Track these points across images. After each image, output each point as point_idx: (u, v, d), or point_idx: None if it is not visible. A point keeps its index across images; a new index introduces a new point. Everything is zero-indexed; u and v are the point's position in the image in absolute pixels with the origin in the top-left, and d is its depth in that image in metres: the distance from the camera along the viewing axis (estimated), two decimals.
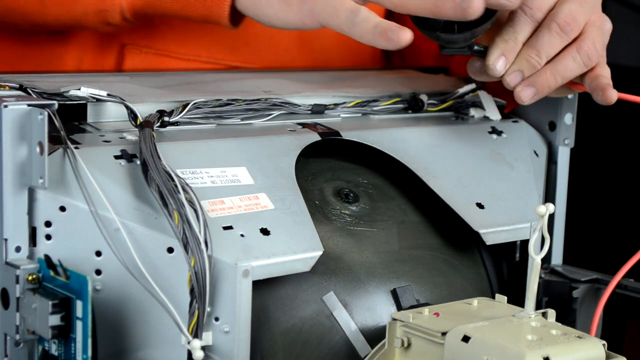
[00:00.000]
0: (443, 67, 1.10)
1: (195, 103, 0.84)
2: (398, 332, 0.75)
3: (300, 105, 0.90)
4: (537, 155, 0.97)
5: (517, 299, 0.82)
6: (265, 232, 0.76)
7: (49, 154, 0.73)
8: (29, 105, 0.73)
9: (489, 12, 0.84)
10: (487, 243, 0.86)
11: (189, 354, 0.72)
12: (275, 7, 0.86)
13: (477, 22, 0.83)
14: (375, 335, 0.80)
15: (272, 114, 0.88)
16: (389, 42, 0.79)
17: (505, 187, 0.91)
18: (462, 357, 0.70)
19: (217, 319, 0.73)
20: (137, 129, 0.79)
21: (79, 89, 0.81)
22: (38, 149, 0.72)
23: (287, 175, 0.81)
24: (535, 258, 0.74)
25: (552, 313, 0.76)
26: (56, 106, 0.74)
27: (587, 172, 1.38)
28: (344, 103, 0.93)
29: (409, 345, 0.75)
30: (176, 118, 0.83)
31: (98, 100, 0.81)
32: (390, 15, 1.12)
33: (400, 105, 0.95)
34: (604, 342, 0.71)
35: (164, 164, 0.74)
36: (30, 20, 0.99)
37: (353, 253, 0.83)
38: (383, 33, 0.79)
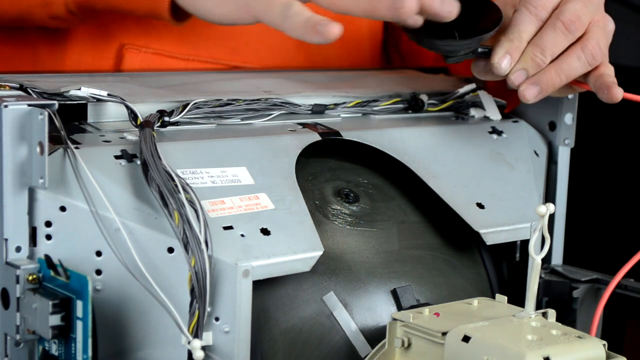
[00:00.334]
0: (443, 67, 1.10)
1: (195, 103, 0.84)
2: (398, 332, 0.75)
3: (300, 105, 0.90)
4: (537, 155, 0.97)
5: (517, 299, 0.82)
6: (265, 232, 0.76)
7: (49, 154, 0.73)
8: (29, 105, 0.73)
9: (494, 21, 0.85)
10: (487, 243, 0.86)
11: (189, 354, 0.72)
12: (211, 1, 0.85)
13: (481, 30, 0.84)
14: (375, 335, 0.80)
15: (272, 114, 0.88)
16: (318, 35, 0.78)
17: (506, 187, 0.91)
18: (463, 357, 0.70)
19: (217, 319, 0.73)
20: (137, 129, 0.79)
21: (79, 89, 0.81)
22: (38, 149, 0.72)
23: (287, 175, 0.81)
24: (536, 258, 0.74)
25: (552, 313, 0.76)
26: (56, 106, 0.74)
27: (587, 172, 1.38)
28: (344, 103, 0.93)
29: (409, 345, 0.75)
30: (176, 118, 0.83)
31: (98, 100, 0.81)
32: (391, 30, 1.12)
33: (400, 105, 0.95)
34: (604, 342, 0.71)
35: (164, 164, 0.74)
36: None
37: (353, 253, 0.83)
38: (313, 27, 0.78)
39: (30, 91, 0.80)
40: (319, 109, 0.91)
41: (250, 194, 0.78)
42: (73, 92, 0.81)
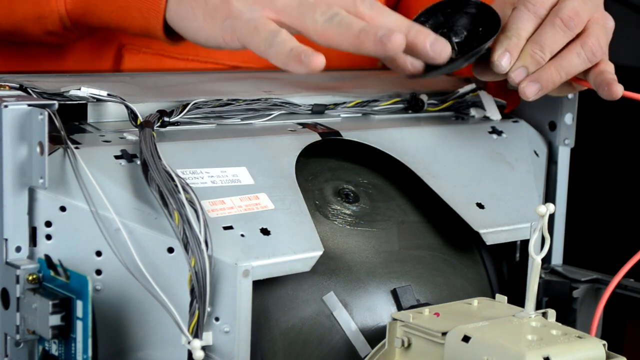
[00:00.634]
0: None
1: (195, 103, 0.84)
2: (398, 332, 0.75)
3: (300, 105, 0.90)
4: (537, 155, 0.97)
5: (517, 299, 0.82)
6: (265, 232, 0.76)
7: (49, 154, 0.73)
8: (29, 105, 0.73)
9: (493, 28, 0.85)
10: (487, 243, 0.86)
11: (189, 354, 0.72)
12: (199, 21, 0.84)
13: (480, 39, 0.84)
14: (375, 335, 0.80)
15: (272, 114, 0.88)
16: (301, 65, 0.77)
17: (505, 187, 0.91)
18: (462, 357, 0.70)
19: (217, 319, 0.73)
20: (137, 129, 0.79)
21: (79, 89, 0.81)
22: (38, 149, 0.72)
23: (287, 175, 0.81)
24: (536, 258, 0.74)
25: (552, 313, 0.76)
26: (56, 106, 0.74)
27: (587, 172, 1.38)
28: (344, 103, 0.93)
29: (409, 345, 0.75)
30: (176, 118, 0.83)
31: (98, 100, 0.81)
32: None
33: (400, 105, 0.95)
34: (604, 342, 0.71)
35: (164, 164, 0.74)
36: None
37: (353, 253, 0.83)
38: (297, 56, 0.77)
39: (30, 91, 0.80)
40: (319, 109, 0.91)
41: (250, 194, 0.78)
42: (73, 92, 0.81)
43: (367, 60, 1.15)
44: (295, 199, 0.80)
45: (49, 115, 0.72)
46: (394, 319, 0.76)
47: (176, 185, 0.73)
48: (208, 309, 0.72)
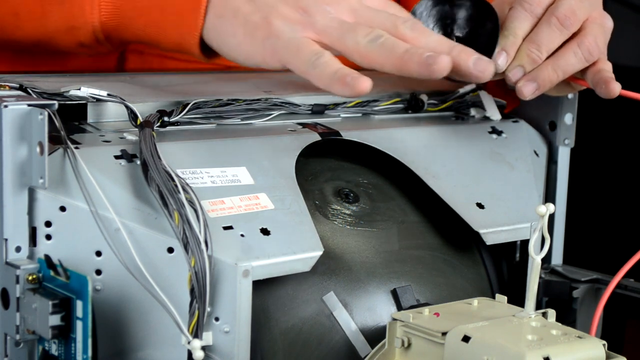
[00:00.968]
0: None
1: (195, 103, 0.84)
2: (398, 332, 0.75)
3: (300, 105, 0.90)
4: (537, 155, 0.97)
5: (517, 299, 0.82)
6: (265, 232, 0.76)
7: (49, 154, 0.73)
8: (29, 105, 0.73)
9: (493, 29, 0.86)
10: (487, 243, 0.86)
11: (189, 354, 0.72)
12: (238, 38, 0.83)
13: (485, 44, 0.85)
14: (375, 335, 0.80)
15: (272, 114, 0.88)
16: (345, 87, 0.77)
17: (505, 187, 0.91)
18: (463, 357, 0.70)
19: (217, 319, 0.73)
20: (137, 129, 0.79)
21: (79, 89, 0.81)
22: (38, 149, 0.72)
23: (287, 175, 0.81)
24: (536, 258, 0.74)
25: (552, 313, 0.76)
26: (56, 106, 0.74)
27: (587, 172, 1.38)
28: (344, 103, 0.93)
29: (409, 345, 0.75)
30: (176, 118, 0.83)
31: (98, 100, 0.81)
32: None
33: (400, 105, 0.95)
34: (604, 342, 0.71)
35: (164, 164, 0.74)
36: (4, 35, 0.96)
37: (353, 253, 0.83)
38: (341, 78, 0.77)
39: (30, 91, 0.80)
40: (319, 109, 0.91)
41: (250, 194, 0.78)
42: (73, 92, 0.81)
43: None
44: (295, 199, 0.80)
45: (49, 115, 0.72)
46: (394, 319, 0.76)
47: (176, 185, 0.73)
48: (208, 309, 0.72)
